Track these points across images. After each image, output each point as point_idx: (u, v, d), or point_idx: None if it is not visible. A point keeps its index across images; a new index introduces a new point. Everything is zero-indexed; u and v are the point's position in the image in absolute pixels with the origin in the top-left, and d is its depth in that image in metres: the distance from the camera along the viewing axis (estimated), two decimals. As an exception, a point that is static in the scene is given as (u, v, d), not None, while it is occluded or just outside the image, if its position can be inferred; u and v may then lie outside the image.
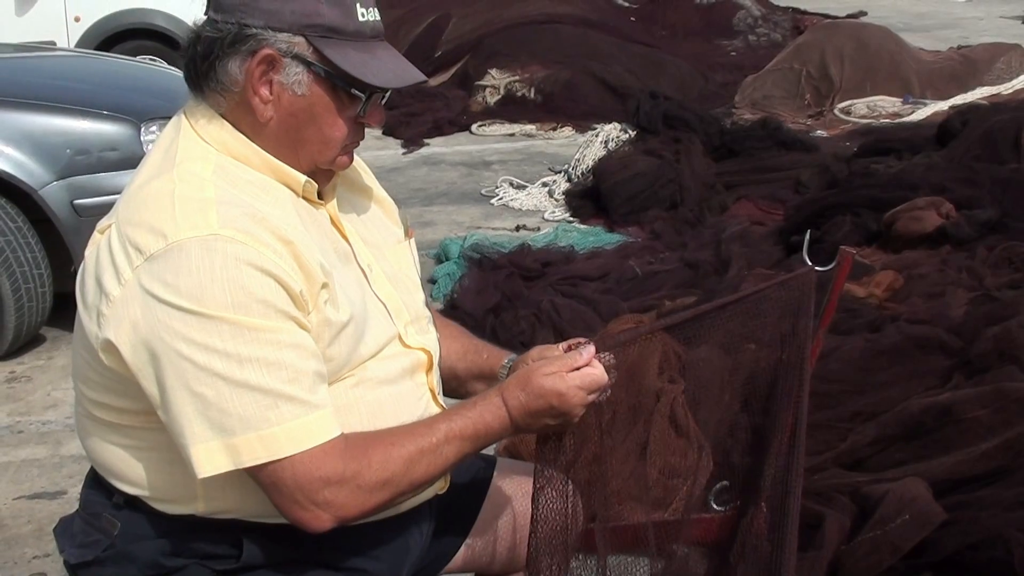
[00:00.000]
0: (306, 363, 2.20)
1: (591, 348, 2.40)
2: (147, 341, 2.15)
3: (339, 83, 2.31)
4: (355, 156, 2.65)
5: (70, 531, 2.55)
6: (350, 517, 2.25)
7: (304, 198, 2.41)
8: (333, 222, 2.49)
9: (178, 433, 2.18)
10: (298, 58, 2.28)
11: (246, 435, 2.14)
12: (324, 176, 2.46)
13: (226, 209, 2.20)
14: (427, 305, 2.74)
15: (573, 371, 2.36)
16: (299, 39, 2.28)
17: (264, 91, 2.30)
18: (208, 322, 2.12)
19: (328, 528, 2.23)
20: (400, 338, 2.51)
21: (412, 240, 2.75)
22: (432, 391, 2.59)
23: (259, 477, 2.20)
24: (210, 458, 2.16)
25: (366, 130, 2.46)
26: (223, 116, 2.35)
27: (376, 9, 2.39)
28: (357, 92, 2.34)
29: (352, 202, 2.61)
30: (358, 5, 2.33)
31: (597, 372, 2.37)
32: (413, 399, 2.50)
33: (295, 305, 2.19)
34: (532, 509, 2.45)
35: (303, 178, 2.38)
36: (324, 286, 2.26)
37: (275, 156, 2.35)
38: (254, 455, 2.15)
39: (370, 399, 2.40)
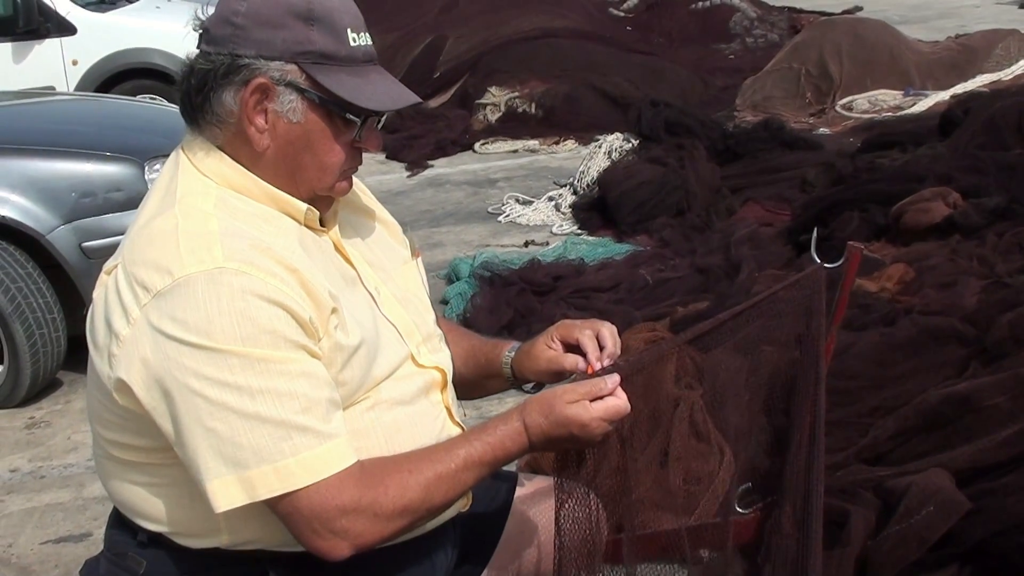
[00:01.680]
0: (318, 392, 2.20)
1: (616, 377, 2.38)
2: (159, 378, 2.16)
3: (334, 108, 2.32)
4: (356, 180, 2.66)
5: (96, 573, 2.56)
6: (368, 544, 2.25)
7: (307, 226, 2.41)
8: (337, 248, 2.49)
9: (194, 468, 2.18)
10: (291, 85, 2.29)
11: (260, 468, 2.15)
12: (324, 203, 2.46)
13: (230, 241, 2.20)
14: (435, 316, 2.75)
15: (596, 399, 2.35)
16: (291, 67, 2.29)
17: (259, 120, 2.31)
18: (218, 356, 2.12)
19: (347, 556, 2.23)
20: (413, 358, 2.51)
21: (419, 260, 2.75)
22: (448, 409, 2.59)
23: (276, 508, 2.21)
24: (226, 492, 2.16)
25: (370, 155, 2.46)
26: (221, 148, 2.36)
27: (367, 34, 2.40)
28: (352, 117, 2.35)
29: (356, 226, 2.62)
30: (349, 31, 2.34)
31: (621, 403, 2.35)
32: (430, 419, 2.50)
33: (305, 333, 2.20)
34: (555, 523, 2.45)
35: (304, 206, 2.38)
36: (333, 311, 2.27)
37: (274, 185, 2.36)
38: (269, 488, 2.16)
39: (386, 421, 2.40)
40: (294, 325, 2.18)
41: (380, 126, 2.47)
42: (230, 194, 2.33)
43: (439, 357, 2.61)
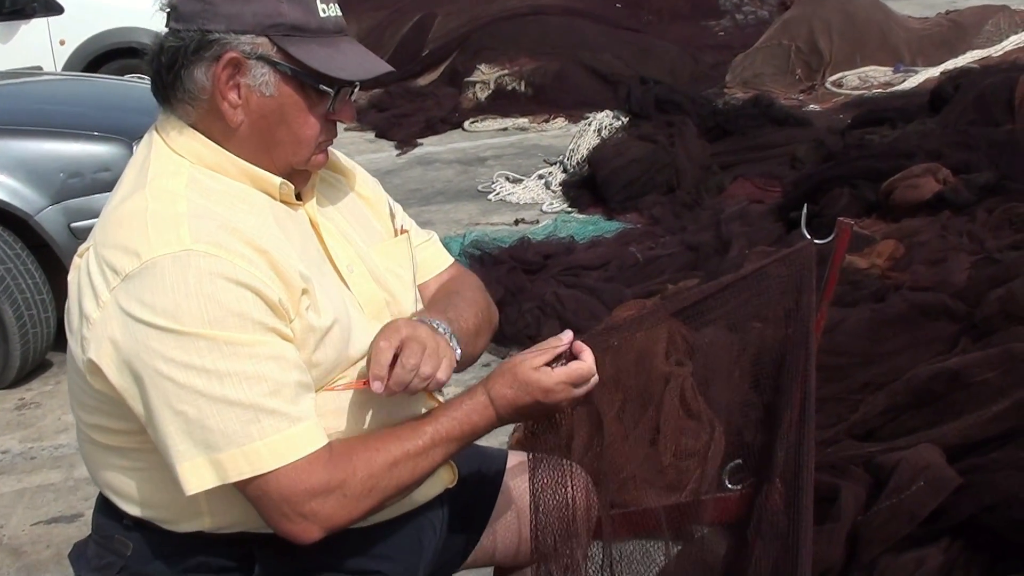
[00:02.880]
0: (287, 375, 2.19)
1: (569, 333, 2.40)
2: (129, 362, 2.15)
3: (306, 80, 2.30)
4: (341, 155, 2.66)
5: (85, 555, 2.56)
6: (338, 526, 2.24)
7: (282, 201, 2.40)
8: (312, 223, 2.47)
9: (165, 451, 2.18)
10: (263, 59, 2.27)
11: (229, 451, 2.14)
12: (301, 177, 2.45)
13: (198, 223, 2.19)
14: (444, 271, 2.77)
15: (558, 365, 2.35)
16: (262, 40, 2.27)
17: (232, 95, 2.29)
18: (185, 339, 2.11)
19: (317, 538, 2.23)
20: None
21: (407, 236, 2.73)
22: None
23: (246, 491, 2.20)
24: (196, 475, 2.16)
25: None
26: (193, 126, 2.34)
27: (336, 4, 2.38)
28: (325, 88, 2.33)
29: (334, 201, 2.60)
30: (319, 2, 2.33)
31: (584, 366, 2.36)
32: (405, 399, 2.47)
33: (275, 315, 2.19)
34: (532, 499, 2.46)
35: (279, 180, 2.36)
36: (304, 292, 2.25)
37: (249, 161, 2.34)
38: (239, 470, 2.15)
39: (361, 401, 2.39)
40: (263, 307, 2.17)
41: (353, 97, 2.46)
42: (204, 172, 2.32)
43: None
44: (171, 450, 2.16)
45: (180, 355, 2.11)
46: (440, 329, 2.45)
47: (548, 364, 2.36)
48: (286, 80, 2.30)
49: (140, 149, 2.41)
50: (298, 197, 2.45)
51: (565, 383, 2.34)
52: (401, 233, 2.72)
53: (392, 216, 2.74)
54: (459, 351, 2.46)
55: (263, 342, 2.16)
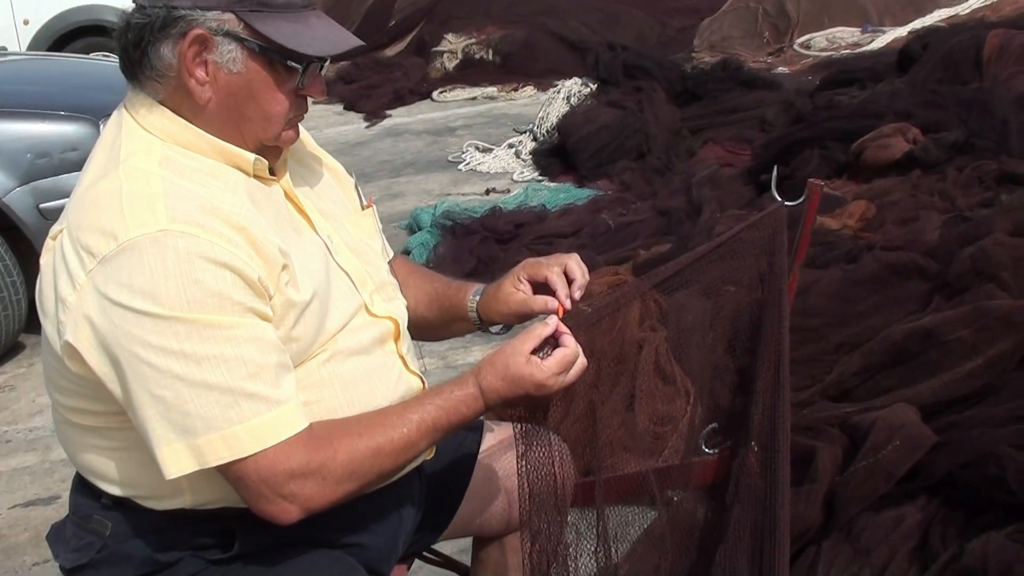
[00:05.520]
0: (267, 356, 2.18)
1: (554, 319, 2.40)
2: (106, 345, 2.13)
3: (274, 56, 2.28)
4: (309, 137, 2.65)
5: (63, 536, 2.54)
6: (317, 508, 2.23)
7: (256, 176, 2.38)
8: (288, 197, 2.46)
9: (144, 435, 2.16)
10: (230, 35, 2.24)
11: (208, 435, 2.12)
12: (273, 153, 2.43)
13: (175, 202, 2.17)
14: (389, 262, 2.73)
15: (547, 350, 2.35)
16: (228, 16, 2.24)
17: (200, 72, 2.25)
18: (163, 323, 2.09)
19: (296, 519, 2.22)
20: (366, 308, 2.49)
21: (373, 209, 2.73)
22: (403, 358, 2.57)
23: (226, 474, 2.19)
24: (175, 459, 2.14)
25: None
26: (163, 103, 2.31)
27: None
28: (293, 64, 2.30)
29: (305, 176, 2.59)
30: None
31: (570, 352, 2.35)
32: (385, 368, 2.48)
33: (254, 293, 2.17)
34: (518, 468, 2.46)
35: (252, 156, 2.34)
36: (284, 268, 2.24)
37: (220, 137, 2.32)
38: (218, 455, 2.14)
39: (343, 372, 2.39)
40: (242, 286, 2.15)
41: (323, 72, 2.45)
42: (176, 150, 2.29)
43: (393, 306, 2.59)
44: (150, 434, 2.14)
45: (158, 339, 2.09)
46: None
47: (536, 351, 2.35)
48: (253, 56, 2.27)
49: (109, 128, 2.37)
50: (271, 173, 2.44)
51: (555, 374, 2.33)
52: (368, 207, 2.72)
53: (358, 191, 2.74)
54: None
55: (242, 324, 2.15)
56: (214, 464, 2.14)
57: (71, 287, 2.16)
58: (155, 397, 2.11)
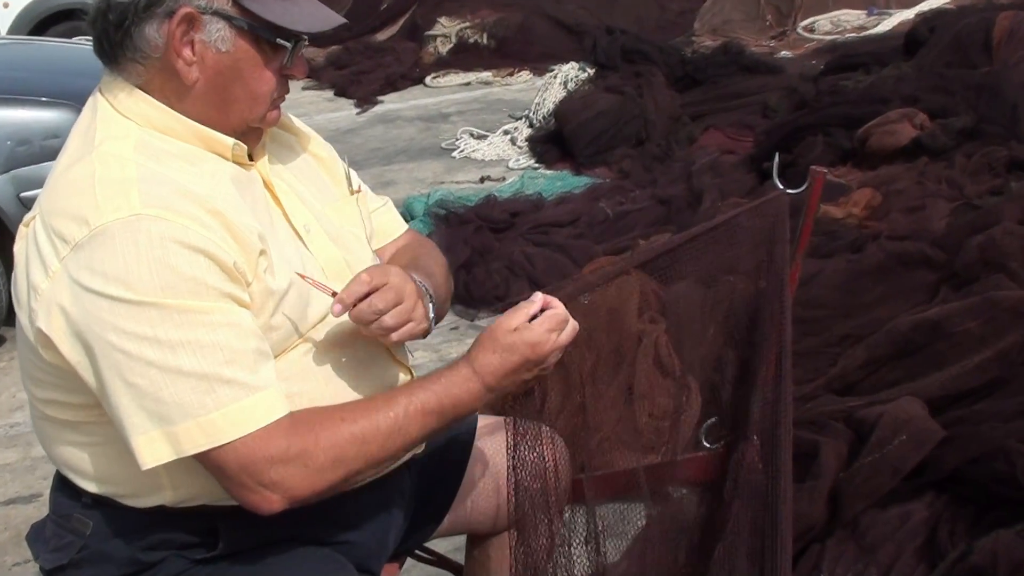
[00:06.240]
0: (244, 342, 2.17)
1: (538, 295, 2.40)
2: (80, 333, 2.13)
3: (263, 34, 2.29)
4: (294, 117, 2.65)
5: (43, 536, 2.54)
6: (301, 497, 2.22)
7: (234, 162, 2.38)
8: (266, 184, 2.46)
9: (119, 425, 2.16)
10: (218, 14, 2.25)
11: (185, 423, 2.12)
12: (253, 136, 2.44)
13: (148, 187, 2.17)
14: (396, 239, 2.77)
15: (534, 319, 2.35)
16: None
17: (187, 52, 2.26)
18: (136, 309, 2.09)
19: (280, 509, 2.20)
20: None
21: (360, 196, 2.72)
22: (389, 349, 2.55)
23: (205, 463, 2.18)
24: (151, 448, 2.14)
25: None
26: (142, 87, 2.31)
27: None
28: (282, 41, 2.32)
29: (285, 161, 2.59)
30: None
31: (558, 311, 2.37)
32: (370, 359, 2.48)
33: (230, 279, 2.17)
34: (509, 464, 2.46)
35: (231, 142, 2.35)
36: (262, 253, 2.24)
37: (203, 121, 2.32)
38: (194, 443, 2.13)
39: (325, 363, 2.39)
40: (217, 271, 2.15)
41: (302, 54, 2.45)
42: (153, 135, 2.29)
43: None
44: (125, 423, 2.14)
45: (132, 326, 2.09)
46: (427, 298, 2.49)
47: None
48: (241, 35, 2.28)
49: (84, 113, 2.37)
50: (250, 158, 2.43)
51: (548, 330, 2.34)
52: (355, 193, 2.71)
53: (348, 177, 2.73)
54: (433, 325, 2.50)
55: (218, 309, 2.14)
56: (191, 452, 2.14)
57: (44, 275, 2.16)
58: (129, 385, 2.11)
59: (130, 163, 2.21)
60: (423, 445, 2.61)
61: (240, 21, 2.27)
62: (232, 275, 2.17)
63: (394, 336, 2.36)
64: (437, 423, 2.34)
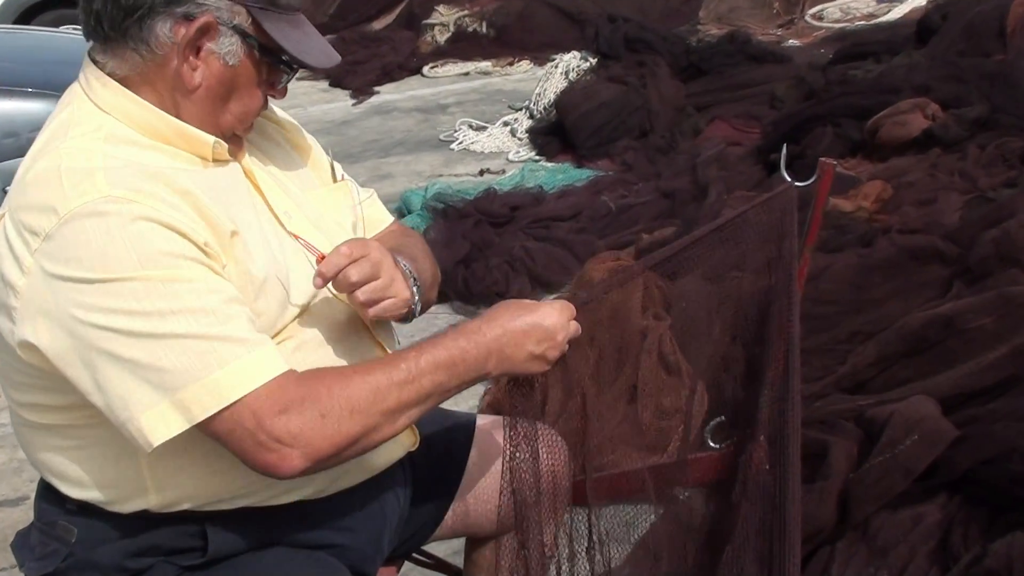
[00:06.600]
0: (232, 308, 2.16)
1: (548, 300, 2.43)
2: (63, 326, 2.12)
3: (271, 58, 2.34)
4: (277, 108, 2.67)
5: (28, 544, 2.53)
6: (321, 452, 2.17)
7: (214, 159, 2.38)
8: (247, 173, 2.47)
9: (121, 410, 2.13)
10: (236, 29, 2.28)
11: (190, 387, 2.09)
12: (235, 138, 2.46)
13: (114, 171, 2.17)
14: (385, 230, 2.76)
15: None
16: (240, 9, 2.28)
17: (192, 58, 2.28)
18: (119, 285, 2.08)
19: (301, 468, 2.16)
20: (329, 287, 2.44)
21: (346, 184, 2.73)
22: (380, 342, 2.55)
23: (217, 431, 2.15)
24: (162, 421, 2.11)
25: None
26: (127, 78, 2.31)
27: None
28: (285, 68, 2.39)
29: (265, 150, 2.60)
30: None
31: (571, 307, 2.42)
32: (359, 354, 2.47)
33: (205, 255, 2.17)
34: (505, 464, 2.45)
35: (212, 139, 2.35)
36: (234, 234, 2.24)
37: (190, 123, 2.33)
38: (203, 406, 2.10)
39: (314, 360, 2.36)
40: (191, 246, 2.15)
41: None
42: (128, 130, 2.30)
43: None
44: (128, 404, 2.11)
45: (116, 303, 2.08)
46: (411, 279, 2.49)
47: None
48: (248, 54, 2.32)
49: (61, 104, 2.38)
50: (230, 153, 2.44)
51: (561, 310, 2.38)
52: (339, 182, 2.73)
53: (332, 168, 2.75)
54: (418, 310, 2.51)
55: (200, 277, 2.14)
56: (202, 417, 2.11)
57: (19, 272, 2.15)
58: (126, 361, 2.10)
59: (97, 153, 2.21)
60: (417, 440, 2.61)
61: (253, 40, 2.31)
62: (206, 252, 2.17)
63: (371, 312, 2.37)
64: (446, 378, 2.29)
